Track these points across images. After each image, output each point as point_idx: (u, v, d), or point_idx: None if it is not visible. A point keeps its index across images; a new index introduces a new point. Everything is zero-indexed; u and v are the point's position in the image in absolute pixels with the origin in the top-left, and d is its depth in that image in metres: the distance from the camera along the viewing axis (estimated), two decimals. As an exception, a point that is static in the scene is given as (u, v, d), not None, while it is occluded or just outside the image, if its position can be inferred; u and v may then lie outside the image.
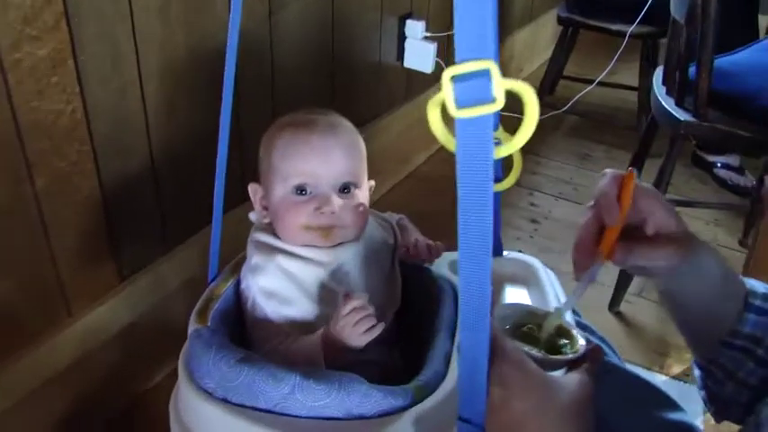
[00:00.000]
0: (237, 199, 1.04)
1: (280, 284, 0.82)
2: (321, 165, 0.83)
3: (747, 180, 2.18)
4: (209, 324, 0.78)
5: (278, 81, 1.45)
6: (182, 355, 0.78)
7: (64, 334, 1.12)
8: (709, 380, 0.76)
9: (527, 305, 0.79)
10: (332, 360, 0.77)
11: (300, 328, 0.81)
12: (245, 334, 0.85)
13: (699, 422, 1.10)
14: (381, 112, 1.92)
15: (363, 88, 1.83)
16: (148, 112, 1.16)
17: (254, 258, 0.84)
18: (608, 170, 0.69)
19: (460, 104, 0.48)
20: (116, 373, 1.24)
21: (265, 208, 0.88)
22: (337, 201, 0.82)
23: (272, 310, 0.82)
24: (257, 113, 1.38)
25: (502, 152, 0.51)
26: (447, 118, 0.50)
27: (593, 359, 0.63)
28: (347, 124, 0.87)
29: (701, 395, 0.80)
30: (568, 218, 2.00)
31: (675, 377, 1.44)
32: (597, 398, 0.59)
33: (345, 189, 0.84)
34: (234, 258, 0.90)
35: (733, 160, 2.23)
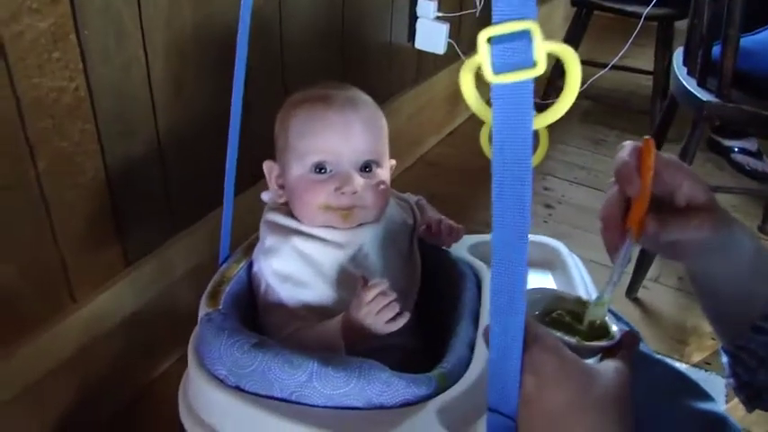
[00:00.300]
0: (246, 182, 1.00)
1: (295, 267, 0.78)
2: (341, 142, 0.79)
3: (766, 165, 2.14)
4: (220, 308, 0.74)
5: (287, 60, 1.41)
6: (191, 340, 0.75)
7: (68, 321, 1.09)
8: (739, 367, 0.72)
9: (555, 290, 0.75)
10: (351, 346, 0.73)
11: (317, 312, 0.78)
12: (259, 319, 0.81)
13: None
14: (392, 95, 1.88)
15: (374, 69, 1.79)
16: (154, 91, 1.12)
17: (268, 240, 0.80)
18: (626, 142, 0.65)
19: (498, 69, 0.44)
20: (122, 361, 1.21)
21: (281, 187, 0.84)
22: (359, 180, 0.78)
23: (287, 294, 0.78)
24: (266, 93, 1.34)
25: (541, 121, 0.47)
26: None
27: (629, 345, 0.60)
28: (366, 98, 0.83)
29: (728, 383, 0.76)
30: (583, 203, 1.96)
31: (696, 365, 1.40)
32: (634, 387, 0.56)
33: (367, 168, 0.80)
34: (246, 240, 0.87)
35: (750, 145, 2.19)
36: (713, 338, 1.47)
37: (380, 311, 0.72)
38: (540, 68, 0.43)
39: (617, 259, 0.63)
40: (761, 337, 0.69)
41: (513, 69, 0.43)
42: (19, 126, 0.93)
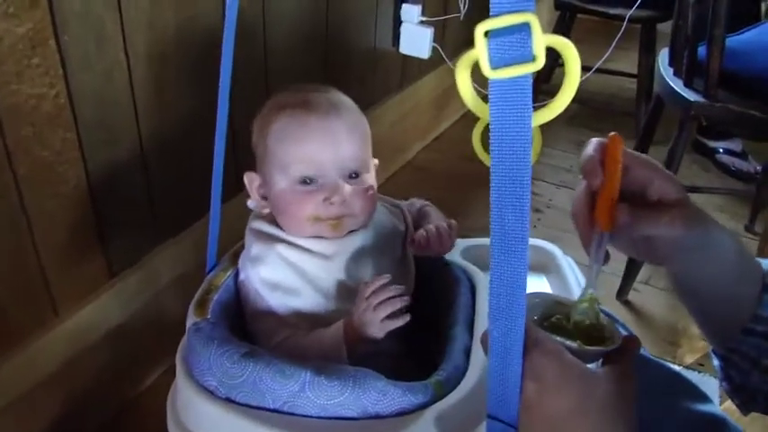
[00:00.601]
0: (233, 188, 0.98)
1: (283, 275, 0.76)
2: (326, 151, 0.76)
3: (750, 165, 2.15)
4: (209, 317, 0.72)
5: (270, 65, 1.39)
6: (179, 350, 0.73)
7: (51, 335, 1.06)
8: (732, 370, 0.71)
9: (554, 295, 0.73)
10: (352, 352, 0.71)
11: (308, 320, 0.76)
12: (247, 327, 0.79)
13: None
14: (376, 100, 1.86)
15: (358, 75, 1.77)
16: (137, 97, 1.09)
17: (254, 248, 0.78)
18: (593, 139, 0.64)
19: (496, 64, 0.42)
20: (107, 374, 1.18)
21: (264, 197, 0.82)
22: (347, 189, 0.76)
23: (277, 302, 0.76)
24: (249, 97, 1.32)
25: (541, 117, 0.45)
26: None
27: (631, 350, 0.58)
28: (349, 102, 0.81)
29: (722, 387, 0.75)
30: (570, 206, 1.95)
31: (689, 367, 1.40)
32: (636, 392, 0.55)
33: (354, 174, 0.78)
34: (233, 248, 0.84)
35: (735, 146, 2.20)
36: (705, 340, 1.46)
37: (379, 306, 0.69)
38: (540, 63, 0.42)
39: (591, 254, 0.62)
40: (752, 339, 0.68)
41: (512, 64, 0.42)
42: (-3, 134, 0.91)
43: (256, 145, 0.82)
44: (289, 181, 0.77)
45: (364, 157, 0.80)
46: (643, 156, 0.64)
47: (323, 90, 0.81)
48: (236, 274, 0.81)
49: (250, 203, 0.84)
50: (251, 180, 0.82)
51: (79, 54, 0.98)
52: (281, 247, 0.77)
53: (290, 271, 0.77)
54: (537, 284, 0.84)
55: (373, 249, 0.80)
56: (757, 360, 0.68)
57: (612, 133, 0.62)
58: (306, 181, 0.77)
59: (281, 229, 0.80)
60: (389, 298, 0.70)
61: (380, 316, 0.70)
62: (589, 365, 0.55)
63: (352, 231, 0.79)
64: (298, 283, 0.76)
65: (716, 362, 0.74)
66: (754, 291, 0.66)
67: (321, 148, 0.76)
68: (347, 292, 0.75)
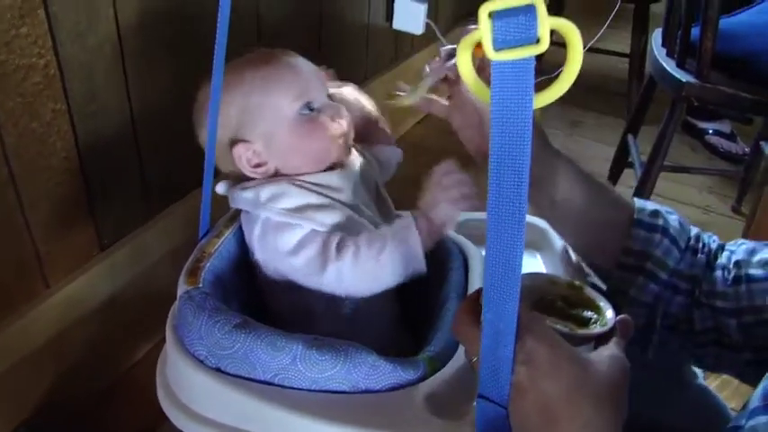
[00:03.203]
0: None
1: (307, 198, 0.75)
2: (309, 78, 0.79)
3: (739, 147, 2.17)
4: (200, 285, 0.71)
5: (265, 38, 1.38)
6: (169, 318, 0.72)
7: (42, 307, 1.06)
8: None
9: (547, 274, 0.74)
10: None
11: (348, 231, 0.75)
12: (242, 296, 0.78)
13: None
14: (369, 76, 1.85)
15: (351, 50, 1.76)
16: (127, 69, 1.08)
17: (264, 192, 0.75)
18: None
19: (499, 45, 0.42)
20: (99, 346, 1.18)
21: (258, 165, 0.79)
22: (340, 107, 0.80)
23: (311, 219, 0.73)
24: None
25: (542, 100, 0.45)
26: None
27: (624, 332, 0.59)
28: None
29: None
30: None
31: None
32: (629, 374, 0.55)
33: (329, 97, 0.82)
34: (228, 213, 0.83)
35: (724, 127, 2.21)
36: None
37: (450, 188, 0.70)
38: (544, 45, 0.42)
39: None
40: (623, 273, 0.72)
41: (515, 45, 0.42)
42: (-14, 105, 0.90)
43: (231, 117, 0.78)
44: (293, 115, 0.77)
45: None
46: None
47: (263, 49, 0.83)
48: (234, 240, 0.80)
49: (219, 188, 0.81)
50: (246, 149, 0.78)
51: (69, 25, 0.97)
52: (293, 183, 0.77)
53: (312, 194, 0.76)
54: (530, 262, 0.84)
55: (364, 182, 0.82)
56: (636, 299, 0.72)
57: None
58: (310, 108, 0.78)
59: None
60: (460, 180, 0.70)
61: (454, 196, 0.69)
62: (581, 348, 0.56)
63: (344, 167, 0.80)
64: (325, 200, 0.76)
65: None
66: (621, 221, 0.72)
67: (305, 77, 0.79)
68: (356, 227, 0.75)
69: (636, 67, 2.35)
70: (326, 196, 0.76)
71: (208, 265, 0.75)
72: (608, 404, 0.51)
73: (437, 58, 0.75)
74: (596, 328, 0.59)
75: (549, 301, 0.62)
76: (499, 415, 0.52)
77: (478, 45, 0.42)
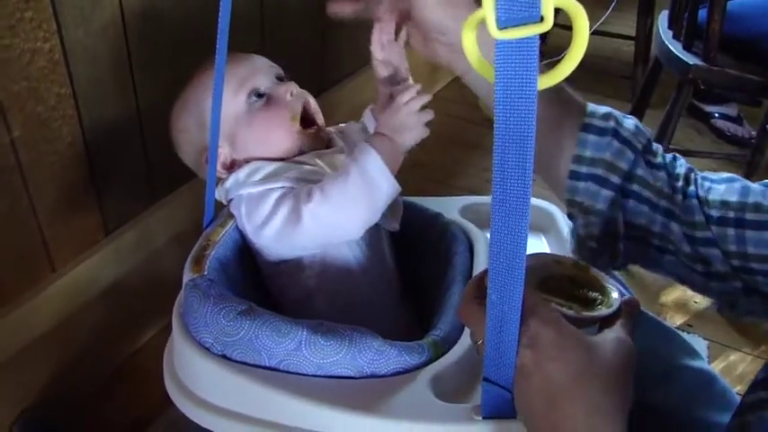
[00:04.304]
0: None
1: (279, 164, 0.79)
2: (248, 67, 0.80)
3: (745, 130, 2.15)
4: (205, 273, 0.72)
5: (266, 25, 1.37)
6: (176, 306, 0.73)
7: (48, 291, 1.06)
8: (582, 229, 0.71)
9: (552, 254, 0.73)
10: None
11: None
12: (247, 284, 0.79)
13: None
14: (370, 61, 1.83)
15: (351, 36, 1.74)
16: (132, 53, 1.08)
17: (241, 173, 0.79)
18: None
19: (503, 24, 0.42)
20: (103, 331, 1.18)
21: (231, 166, 0.81)
22: (291, 83, 0.80)
23: (286, 179, 0.76)
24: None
25: (547, 80, 0.45)
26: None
27: (630, 313, 0.58)
28: None
29: (571, 247, 0.74)
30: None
31: (678, 327, 1.42)
32: (635, 356, 0.54)
33: (282, 78, 0.82)
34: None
35: (731, 110, 2.19)
36: (696, 302, 1.48)
37: (421, 111, 0.73)
38: (548, 24, 0.41)
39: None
40: (579, 184, 0.68)
41: (519, 24, 0.41)
42: (-9, 90, 0.89)
43: (189, 132, 0.83)
44: (244, 109, 0.79)
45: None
46: None
47: None
48: (237, 229, 0.80)
49: (216, 195, 0.82)
50: (222, 154, 0.82)
51: (73, 9, 0.96)
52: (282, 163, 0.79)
53: (283, 162, 0.78)
54: (536, 244, 0.84)
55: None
56: (590, 208, 0.68)
57: None
58: (258, 94, 0.79)
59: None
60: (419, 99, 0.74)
61: (425, 119, 0.73)
62: (586, 330, 0.55)
63: (334, 153, 0.81)
64: (296, 165, 0.78)
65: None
66: (571, 126, 0.68)
67: (246, 66, 0.81)
68: None
69: (641, 50, 2.33)
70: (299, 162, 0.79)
71: (213, 253, 0.75)
72: (614, 387, 0.50)
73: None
74: (602, 310, 0.58)
75: (554, 282, 0.62)
76: (504, 398, 0.52)
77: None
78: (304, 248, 0.76)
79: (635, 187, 0.67)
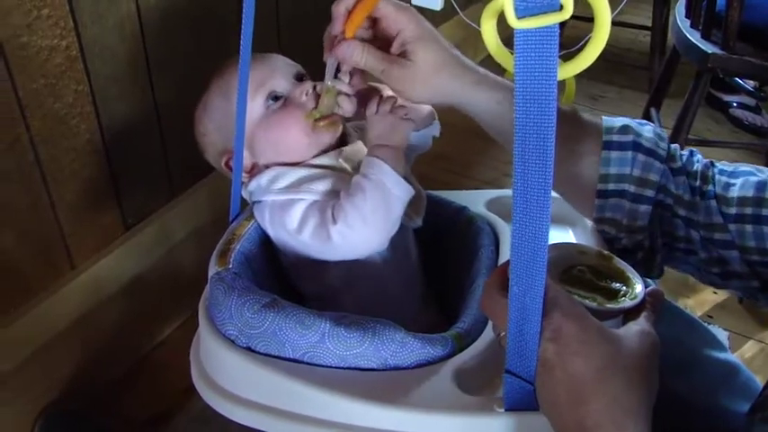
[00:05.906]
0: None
1: (301, 172, 0.78)
2: (266, 69, 0.79)
3: (764, 119, 2.13)
4: (230, 266, 0.72)
5: (282, 14, 1.37)
6: (202, 300, 0.73)
7: (68, 287, 1.07)
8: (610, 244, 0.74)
9: (576, 244, 0.72)
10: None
11: None
12: (271, 277, 0.79)
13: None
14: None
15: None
16: (149, 49, 1.08)
17: (263, 178, 0.78)
18: None
19: (521, 13, 0.41)
20: (123, 327, 1.20)
21: (252, 169, 0.81)
22: (308, 83, 0.78)
23: (309, 192, 0.76)
24: (261, 45, 1.30)
25: (568, 71, 0.45)
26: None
27: (654, 305, 0.57)
28: None
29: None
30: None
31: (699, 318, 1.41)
32: (659, 348, 0.53)
33: (303, 77, 0.80)
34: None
35: (749, 100, 2.17)
36: (715, 292, 1.47)
37: (407, 115, 0.73)
38: (567, 12, 0.41)
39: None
40: (608, 201, 0.70)
41: (538, 13, 0.41)
42: (9, 87, 0.90)
43: (209, 135, 0.83)
44: (262, 112, 0.78)
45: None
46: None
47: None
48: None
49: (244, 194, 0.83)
50: (245, 160, 0.81)
51: (90, 6, 0.97)
52: (303, 169, 0.78)
53: (304, 168, 0.78)
54: (562, 237, 0.83)
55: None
56: (621, 222, 0.70)
57: None
58: (275, 97, 0.78)
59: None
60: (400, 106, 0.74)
61: (401, 113, 0.73)
62: (610, 322, 0.54)
63: (347, 145, 0.80)
64: (318, 171, 0.78)
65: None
66: (594, 148, 0.68)
67: (264, 68, 0.79)
68: None
69: (658, 40, 2.31)
70: (319, 166, 0.78)
71: (238, 246, 0.76)
72: (638, 382, 0.50)
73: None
74: (625, 302, 0.57)
75: (577, 272, 0.61)
76: (526, 391, 0.52)
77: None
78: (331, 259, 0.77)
79: (667, 199, 0.69)
